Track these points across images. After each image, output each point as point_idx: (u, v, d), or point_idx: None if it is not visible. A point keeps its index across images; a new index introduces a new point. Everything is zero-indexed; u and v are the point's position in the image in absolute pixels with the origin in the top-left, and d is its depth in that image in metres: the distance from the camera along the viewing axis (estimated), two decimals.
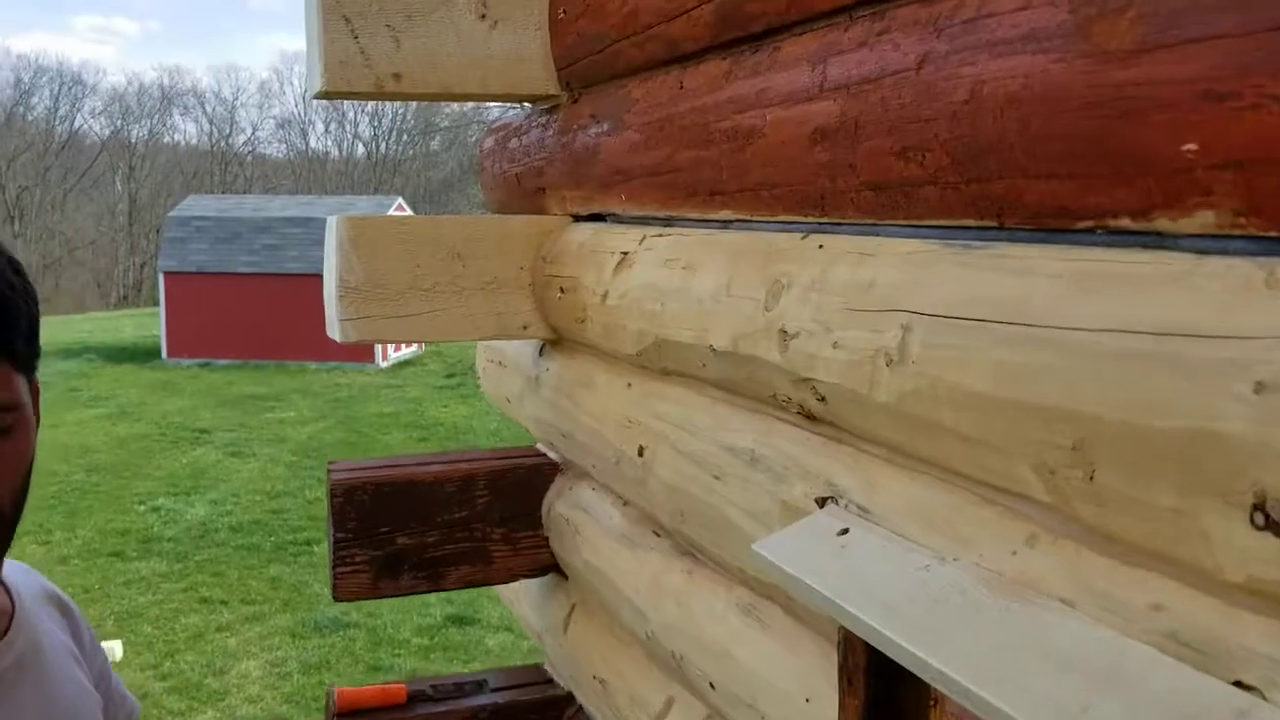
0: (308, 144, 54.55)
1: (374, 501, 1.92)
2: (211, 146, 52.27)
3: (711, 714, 1.52)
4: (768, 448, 1.28)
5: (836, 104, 1.11)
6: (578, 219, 2.00)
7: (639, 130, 1.61)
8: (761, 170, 1.29)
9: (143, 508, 12.14)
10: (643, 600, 1.63)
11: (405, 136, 52.21)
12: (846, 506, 1.10)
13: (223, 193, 42.59)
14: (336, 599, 1.92)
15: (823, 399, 1.13)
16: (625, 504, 1.79)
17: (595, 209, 1.89)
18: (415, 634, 8.65)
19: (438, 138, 50.77)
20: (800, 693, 1.23)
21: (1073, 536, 0.84)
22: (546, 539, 2.04)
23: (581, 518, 1.92)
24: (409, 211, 26.67)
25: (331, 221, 1.91)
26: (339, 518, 1.90)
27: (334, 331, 1.92)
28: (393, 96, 1.95)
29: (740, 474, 1.32)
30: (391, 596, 1.96)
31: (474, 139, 49.47)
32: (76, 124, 51.54)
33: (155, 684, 7.81)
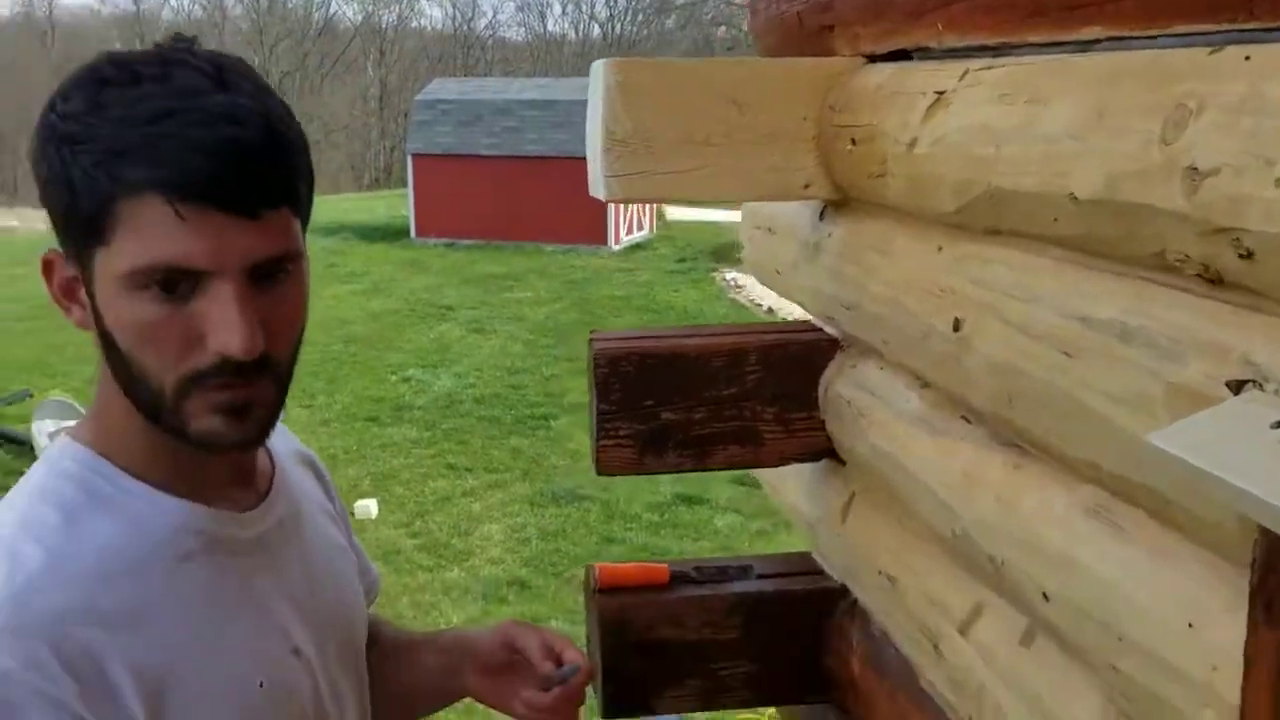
0: (545, 26, 54.98)
1: (639, 373, 1.78)
2: (455, 31, 53.46)
3: (1035, 625, 1.30)
4: (1145, 318, 1.02)
5: None
6: (872, 59, 1.75)
7: None
8: None
9: (395, 377, 12.79)
10: (950, 494, 1.42)
11: (640, 16, 51.75)
12: (1277, 392, 0.85)
13: (465, 76, 43.64)
14: (600, 473, 1.81)
15: (1249, 254, 0.86)
16: (924, 385, 1.57)
17: (897, 45, 1.63)
18: (646, 510, 8.80)
19: (673, 16, 50.05)
20: (1178, 615, 1.00)
21: None
22: (823, 421, 1.85)
23: (867, 400, 1.71)
24: None
25: (596, 66, 1.74)
26: (603, 388, 1.77)
27: (598, 189, 1.76)
28: None
29: (1104, 350, 1.07)
30: (656, 473, 1.83)
31: (709, 16, 48.54)
32: (332, 10, 53.80)
33: (406, 541, 8.26)
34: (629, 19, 51.90)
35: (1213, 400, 0.91)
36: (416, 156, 23.61)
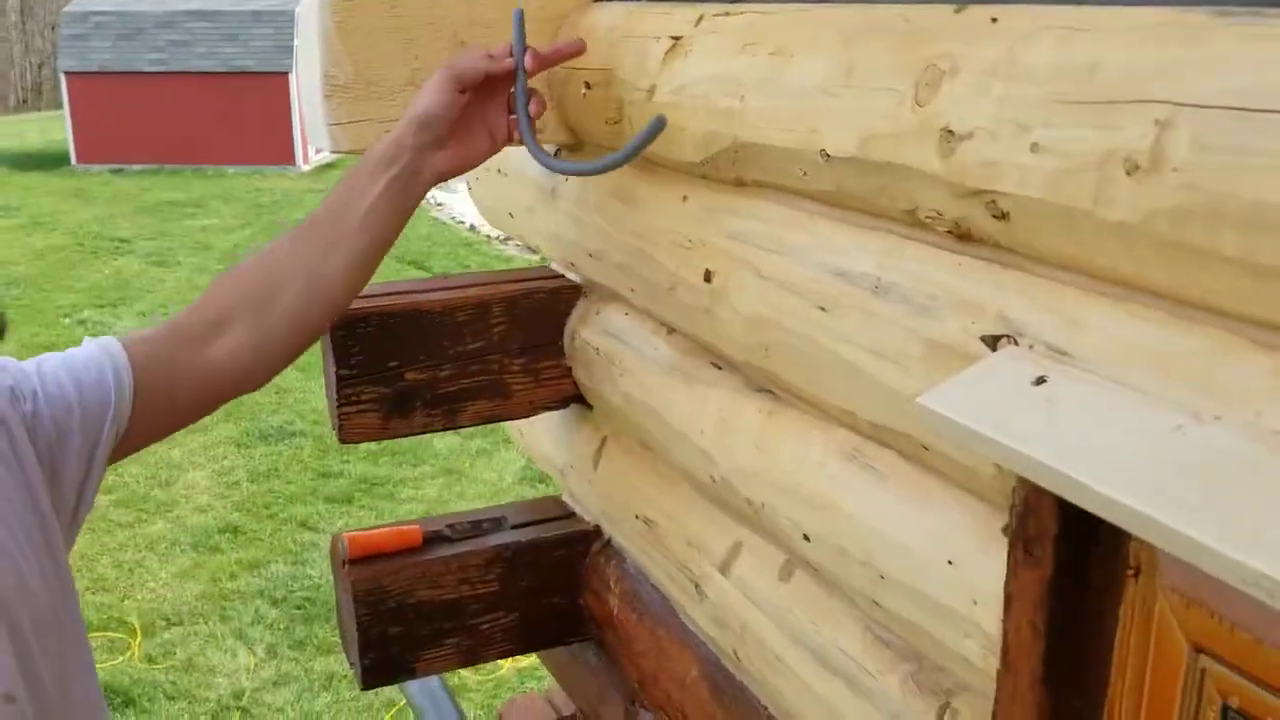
0: None
1: (379, 333, 1.69)
2: None
3: (794, 560, 1.36)
4: (899, 273, 1.06)
5: None
6: None
7: None
8: None
9: (68, 320, 11.73)
10: (707, 441, 1.45)
11: None
12: (1032, 348, 0.90)
13: None
14: (344, 441, 1.71)
15: (1004, 215, 0.91)
16: (670, 332, 1.58)
17: None
18: None
19: None
20: (936, 553, 1.06)
21: None
22: (570, 368, 1.83)
23: (615, 346, 1.71)
24: None
25: (306, 6, 1.60)
26: (341, 353, 1.67)
27: (320, 138, 1.64)
28: None
29: (860, 305, 1.11)
30: (403, 436, 1.76)
31: None
32: None
33: (100, 498, 7.63)
34: None
35: (969, 355, 0.96)
36: (71, 75, 21.42)
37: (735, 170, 1.32)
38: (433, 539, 1.83)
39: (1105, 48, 0.82)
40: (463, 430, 8.47)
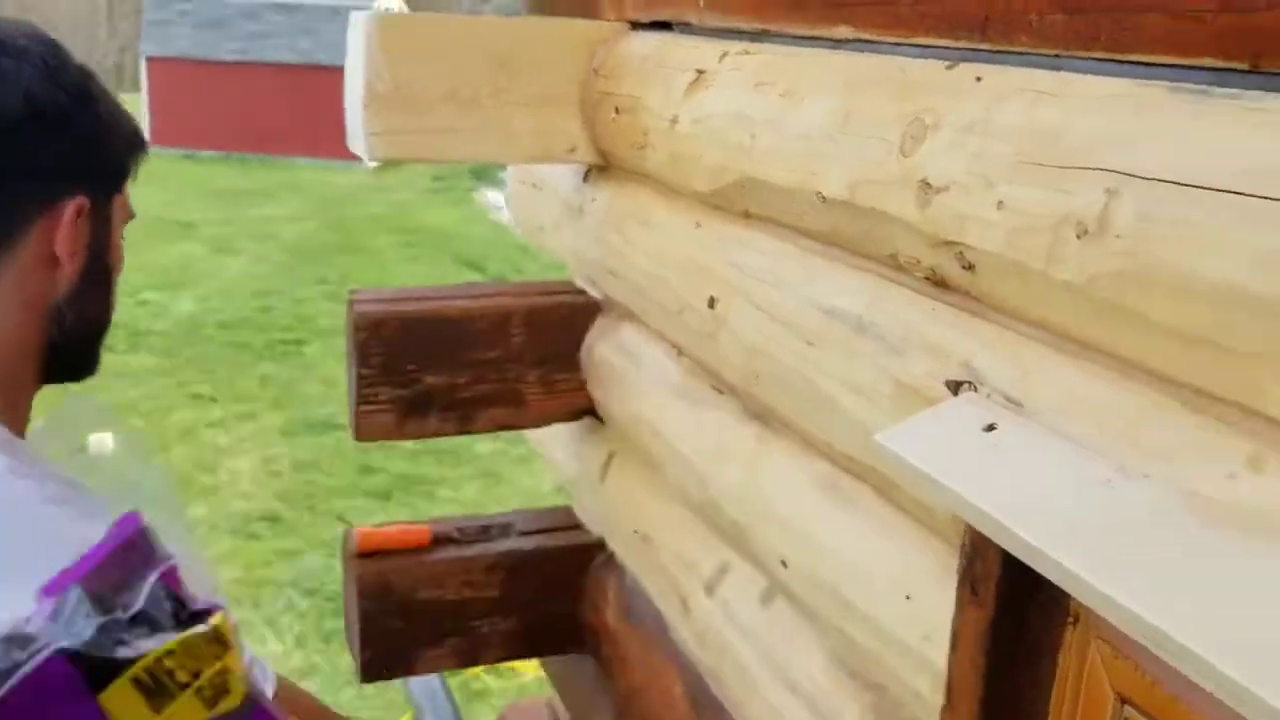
0: None
1: (401, 336, 1.75)
2: None
3: (775, 586, 1.40)
4: (880, 314, 1.10)
5: None
6: (636, 26, 1.77)
7: None
8: None
9: (130, 300, 12.01)
10: (702, 462, 1.49)
11: None
12: (989, 396, 0.94)
13: None
14: (358, 439, 1.78)
15: (970, 267, 0.95)
16: (680, 354, 1.63)
17: (661, 15, 1.66)
18: None
19: None
20: (896, 587, 1.10)
21: None
22: (584, 382, 1.88)
23: (627, 364, 1.76)
24: (399, 2, 25.54)
25: (356, 19, 1.68)
26: (362, 353, 1.73)
27: (358, 146, 1.71)
28: None
29: (842, 341, 1.15)
30: (417, 438, 1.82)
31: None
32: None
33: None
34: None
35: (934, 398, 1.00)
36: (151, 60, 21.98)
37: (743, 203, 1.37)
38: (441, 540, 1.89)
39: (1071, 114, 0.86)
40: (505, 436, 8.56)
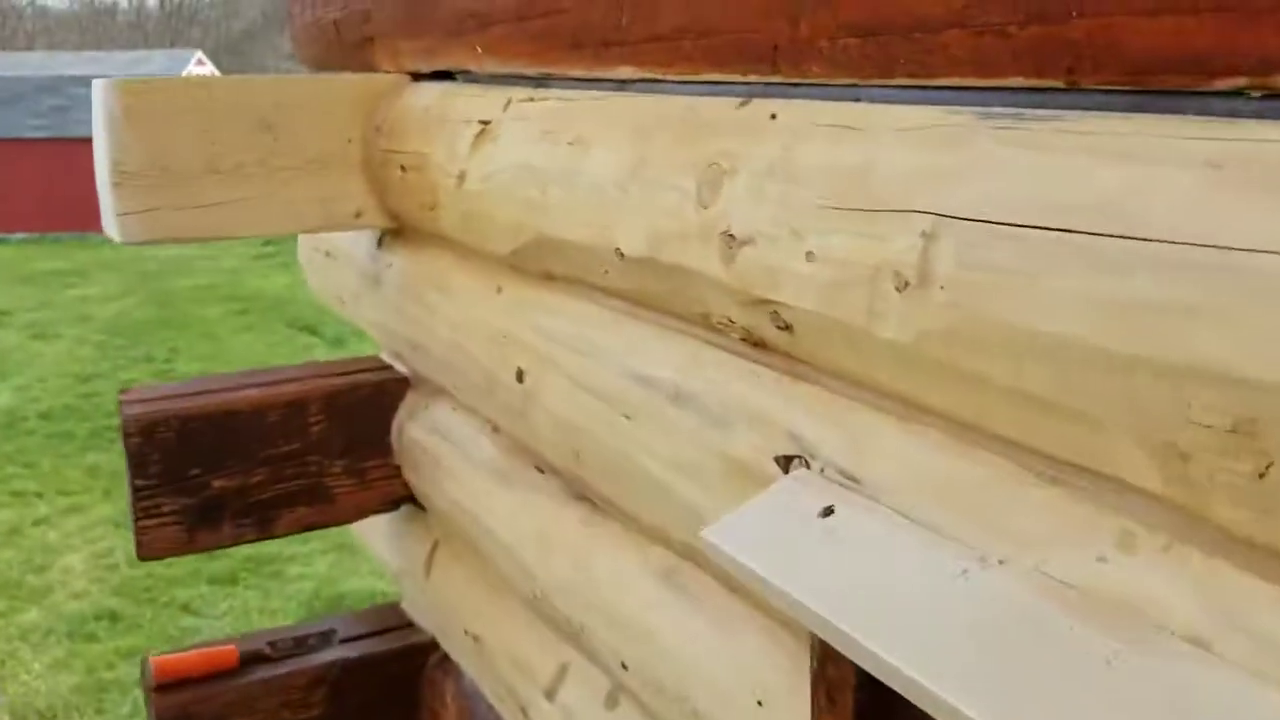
0: None
1: (181, 439, 1.55)
2: None
3: (617, 688, 1.25)
4: (698, 381, 0.98)
5: None
6: (417, 78, 1.62)
7: None
8: (680, 9, 0.95)
9: None
10: (527, 553, 1.34)
11: None
12: (823, 471, 0.82)
13: (0, 49, 38.96)
14: (142, 558, 1.57)
15: (787, 328, 0.83)
16: (496, 430, 1.48)
17: (440, 65, 1.51)
18: None
19: None
20: (747, 691, 0.97)
21: (1201, 544, 0.58)
22: (398, 467, 1.71)
23: (441, 445, 1.60)
24: (210, 67, 24.73)
25: (96, 87, 1.48)
26: (138, 462, 1.53)
27: (111, 228, 1.51)
28: None
29: (660, 414, 1.02)
30: (211, 549, 1.62)
31: None
32: None
33: None
34: None
35: (764, 476, 0.88)
36: None
37: (542, 264, 1.23)
38: (251, 659, 1.68)
39: (877, 149, 0.75)
40: None
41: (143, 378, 12.11)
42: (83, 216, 20.40)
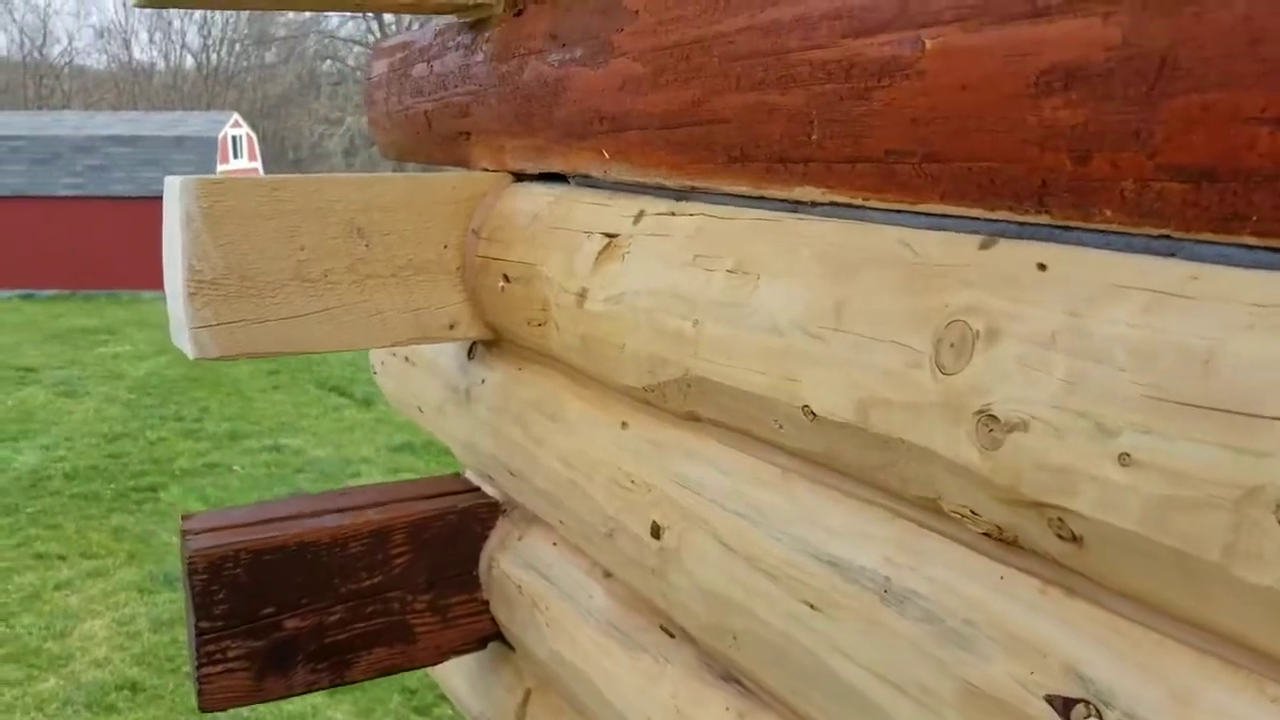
0: (131, 55, 50.69)
1: (252, 575, 1.38)
2: (24, 58, 48.07)
3: None
4: (919, 578, 0.80)
5: (1107, 24, 0.63)
6: (521, 178, 1.47)
7: (642, 58, 1.09)
8: (901, 130, 0.79)
9: None
10: None
11: (238, 47, 49.05)
12: None
13: (38, 108, 39.70)
14: (204, 709, 1.39)
15: (1075, 539, 0.66)
16: (608, 576, 1.30)
17: (553, 167, 1.36)
18: None
19: (273, 48, 47.78)
20: None
21: None
22: (486, 602, 1.54)
23: (539, 584, 1.42)
24: (245, 128, 24.97)
25: (172, 186, 1.34)
26: (202, 602, 1.35)
27: (183, 342, 1.36)
28: (237, 2, 1.37)
29: (861, 610, 0.84)
30: (281, 698, 1.44)
31: (312, 50, 46.81)
32: None
33: None
34: (225, 49, 49.04)
35: (1029, 715, 0.70)
36: None
37: (687, 404, 1.06)
38: None
39: (1224, 328, 0.58)
40: None
41: (171, 437, 12.03)
42: (114, 273, 20.55)
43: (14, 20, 49.06)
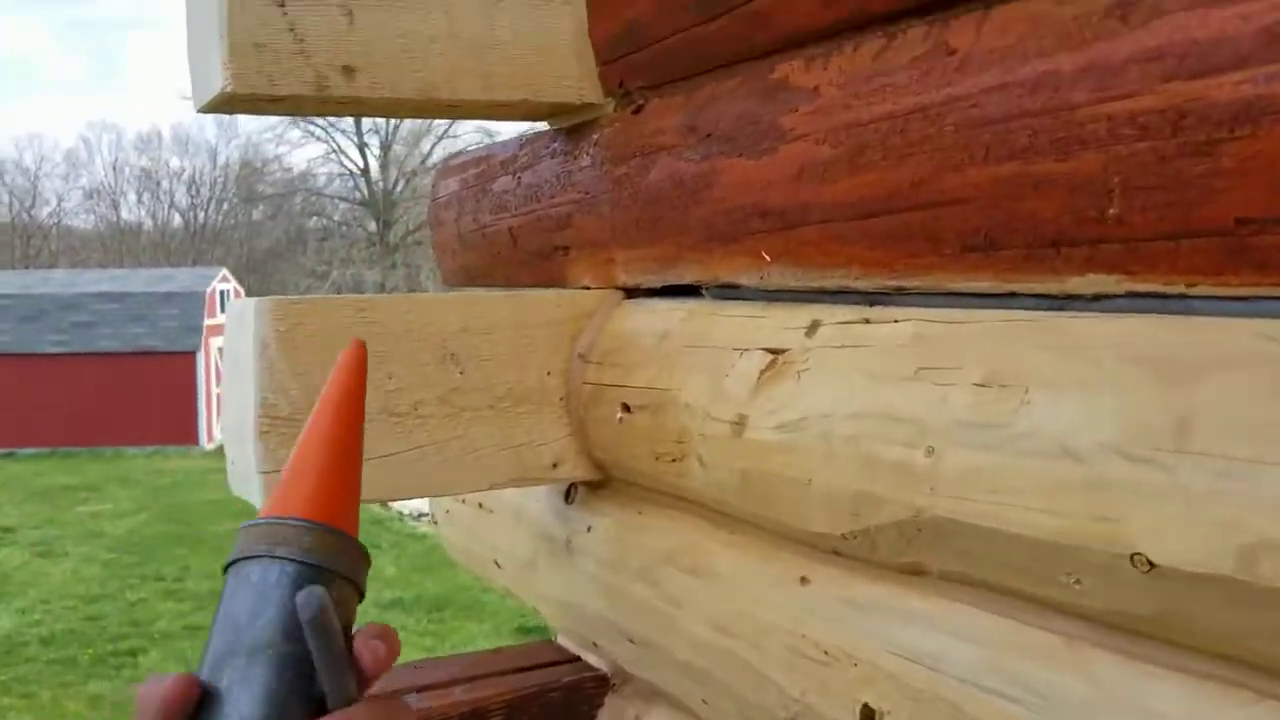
0: (119, 215, 51.26)
1: None
2: (12, 219, 48.56)
3: None
4: None
5: None
6: (634, 294, 1.29)
7: (830, 139, 0.92)
8: (1272, 193, 0.61)
9: None
10: None
11: (225, 205, 49.75)
12: None
13: (25, 267, 40.04)
14: None
15: None
16: None
17: (684, 278, 1.18)
18: None
19: (260, 206, 48.44)
20: None
21: None
22: None
23: None
24: (233, 283, 25.02)
25: (245, 306, 1.14)
26: None
27: (251, 490, 1.14)
28: (340, 107, 1.21)
29: None
30: None
31: (299, 208, 47.47)
32: None
33: None
34: (213, 207, 49.73)
35: None
36: None
37: (910, 553, 0.85)
38: None
39: None
40: None
41: (151, 598, 11.60)
42: (96, 431, 20.25)
43: (4, 184, 49.73)
